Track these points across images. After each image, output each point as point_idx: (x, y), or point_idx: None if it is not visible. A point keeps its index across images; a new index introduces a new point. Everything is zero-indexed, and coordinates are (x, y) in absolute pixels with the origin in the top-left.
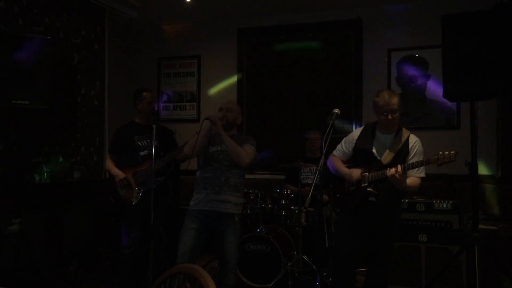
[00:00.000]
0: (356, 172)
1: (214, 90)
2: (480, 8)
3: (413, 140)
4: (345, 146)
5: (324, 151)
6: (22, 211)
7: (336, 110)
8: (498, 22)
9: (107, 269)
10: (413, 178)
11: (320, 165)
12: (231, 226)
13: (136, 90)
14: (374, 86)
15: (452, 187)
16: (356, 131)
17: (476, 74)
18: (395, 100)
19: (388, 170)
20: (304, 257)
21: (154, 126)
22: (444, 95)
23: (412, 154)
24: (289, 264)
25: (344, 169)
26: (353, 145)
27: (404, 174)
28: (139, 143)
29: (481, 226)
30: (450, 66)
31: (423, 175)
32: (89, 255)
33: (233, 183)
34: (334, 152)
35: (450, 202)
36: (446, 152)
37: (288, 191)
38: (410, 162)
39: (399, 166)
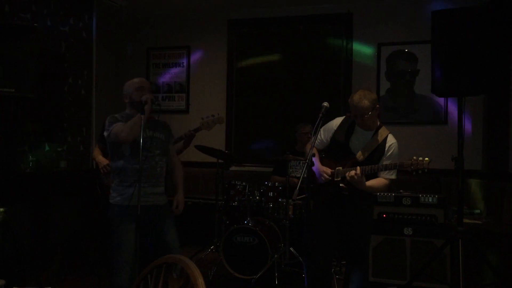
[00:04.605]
0: (327, 170)
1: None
2: (470, 4)
3: (391, 142)
4: (323, 135)
5: (313, 144)
6: (6, 200)
7: (326, 104)
8: (487, 19)
9: (93, 260)
10: (380, 179)
11: (308, 158)
12: (168, 215)
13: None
14: (364, 80)
15: (438, 182)
16: (336, 121)
17: (465, 70)
18: (363, 104)
19: (348, 173)
20: (291, 249)
21: (142, 116)
22: (433, 91)
23: (387, 156)
24: (275, 256)
25: (317, 162)
26: (331, 135)
27: (362, 177)
28: None
29: (465, 221)
30: (439, 62)
31: (393, 177)
32: (75, 246)
33: (164, 172)
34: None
35: (436, 196)
36: (420, 158)
37: (276, 183)
38: (384, 163)
39: (358, 168)
